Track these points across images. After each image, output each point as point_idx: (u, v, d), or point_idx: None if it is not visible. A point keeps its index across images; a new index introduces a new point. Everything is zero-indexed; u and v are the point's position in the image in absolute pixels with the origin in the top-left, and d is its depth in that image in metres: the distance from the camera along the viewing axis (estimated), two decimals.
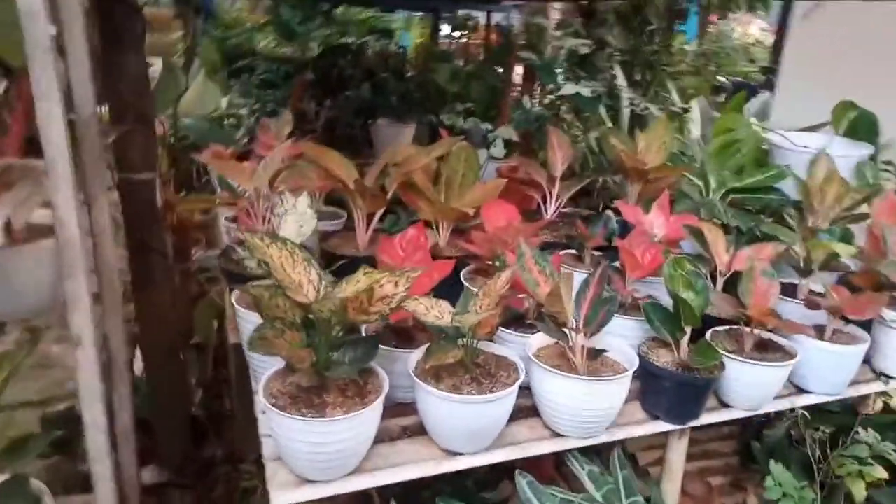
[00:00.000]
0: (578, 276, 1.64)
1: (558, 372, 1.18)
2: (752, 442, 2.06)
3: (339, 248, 1.77)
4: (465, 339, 1.18)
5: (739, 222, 1.92)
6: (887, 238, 1.62)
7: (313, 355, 1.04)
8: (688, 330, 1.31)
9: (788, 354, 1.38)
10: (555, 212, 2.02)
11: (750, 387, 1.35)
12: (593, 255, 1.73)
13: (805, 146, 2.17)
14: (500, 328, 1.39)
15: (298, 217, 1.37)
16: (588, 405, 1.20)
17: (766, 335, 1.42)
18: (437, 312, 1.16)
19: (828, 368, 1.43)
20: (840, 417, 1.63)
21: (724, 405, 1.41)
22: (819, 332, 1.49)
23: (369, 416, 1.07)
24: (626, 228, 1.78)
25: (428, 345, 1.17)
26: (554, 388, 1.21)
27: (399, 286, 1.06)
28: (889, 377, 1.55)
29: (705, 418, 1.36)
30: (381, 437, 1.23)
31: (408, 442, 1.23)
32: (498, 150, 2.10)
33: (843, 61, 2.63)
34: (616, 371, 1.27)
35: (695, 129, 3.10)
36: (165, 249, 1.38)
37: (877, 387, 1.53)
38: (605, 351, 1.29)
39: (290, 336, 1.03)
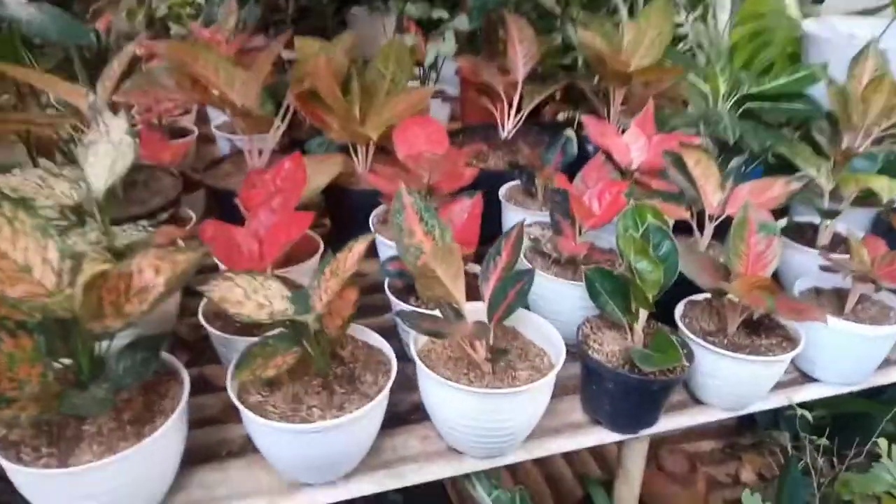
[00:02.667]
0: (528, 219, 1.27)
1: (450, 383, 0.83)
2: None
3: (226, 179, 1.40)
4: (312, 332, 0.83)
5: (752, 140, 1.48)
6: None
7: (48, 372, 0.70)
8: (643, 312, 0.93)
9: (789, 338, 1.00)
10: (514, 127, 1.59)
11: (732, 385, 0.98)
12: (549, 189, 1.33)
13: (853, 35, 1.66)
14: (395, 297, 1.04)
15: (112, 149, 0.99)
16: (492, 422, 0.86)
17: None
18: (262, 299, 0.80)
19: (847, 355, 1.05)
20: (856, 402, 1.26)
21: (697, 401, 1.05)
22: (839, 299, 1.10)
23: (146, 456, 0.74)
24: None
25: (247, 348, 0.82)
26: (446, 402, 0.86)
27: (160, 273, 0.70)
28: None
29: (666, 423, 1.01)
30: (214, 452, 0.92)
31: (244, 463, 0.91)
32: (447, 45, 1.64)
33: None
34: (535, 369, 0.91)
35: (722, 15, 2.55)
36: None
37: None
38: (506, 352, 0.91)
39: (11, 345, 0.69)
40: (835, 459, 1.10)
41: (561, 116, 1.92)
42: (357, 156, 1.42)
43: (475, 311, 0.90)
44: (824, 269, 1.07)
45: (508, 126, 1.57)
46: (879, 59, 1.40)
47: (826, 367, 1.07)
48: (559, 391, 1.04)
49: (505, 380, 0.88)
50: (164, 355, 0.85)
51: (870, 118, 1.35)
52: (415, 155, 1.15)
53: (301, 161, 1.11)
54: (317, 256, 1.16)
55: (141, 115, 1.92)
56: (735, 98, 1.58)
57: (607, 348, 0.96)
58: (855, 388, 1.09)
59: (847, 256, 1.14)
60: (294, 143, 1.80)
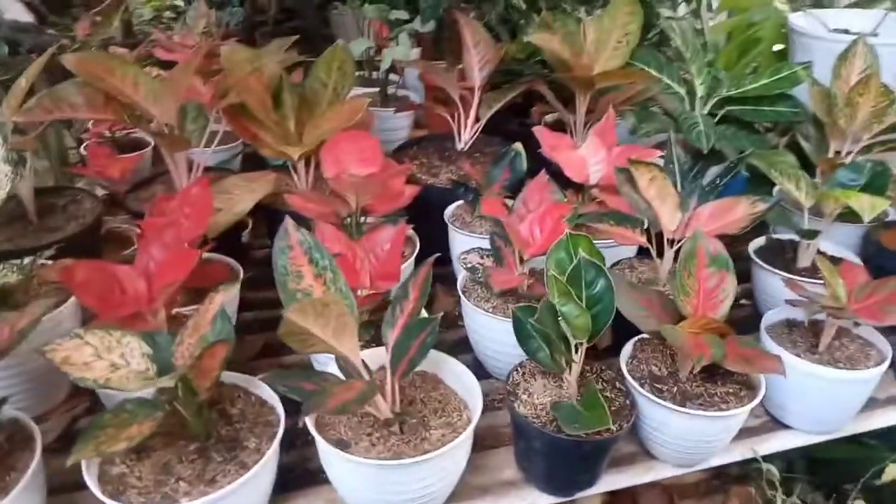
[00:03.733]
0: (471, 243, 1.16)
1: (341, 454, 0.72)
2: None
3: (151, 201, 1.30)
4: (180, 393, 0.72)
5: (728, 148, 1.35)
6: None
7: None
8: (576, 357, 0.81)
9: (749, 384, 0.87)
10: (472, 136, 1.47)
11: (683, 439, 0.86)
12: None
13: (845, 30, 1.52)
14: None
15: None
16: (397, 493, 0.75)
17: None
18: (117, 358, 0.69)
19: (819, 400, 0.92)
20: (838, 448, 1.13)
21: (648, 454, 0.93)
22: (814, 334, 0.97)
23: None
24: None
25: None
26: (344, 471, 0.75)
27: None
28: None
29: (610, 481, 0.89)
30: None
31: None
32: (401, 49, 1.52)
33: None
34: (451, 426, 0.80)
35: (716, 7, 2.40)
36: None
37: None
38: (406, 415, 0.79)
39: None
40: None
41: (549, 118, 1.79)
42: (297, 172, 1.31)
43: (383, 357, 0.79)
44: (791, 303, 0.94)
45: (465, 136, 1.46)
46: (869, 57, 1.26)
47: (797, 414, 0.95)
48: (492, 442, 0.93)
49: (413, 441, 0.77)
50: (20, 417, 0.76)
51: (857, 123, 1.22)
52: (338, 175, 1.04)
53: (208, 187, 1.00)
54: (234, 289, 1.06)
55: (92, 128, 1.83)
56: (714, 101, 1.45)
57: (537, 400, 0.84)
58: (831, 437, 0.96)
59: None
60: (257, 154, 1.70)
